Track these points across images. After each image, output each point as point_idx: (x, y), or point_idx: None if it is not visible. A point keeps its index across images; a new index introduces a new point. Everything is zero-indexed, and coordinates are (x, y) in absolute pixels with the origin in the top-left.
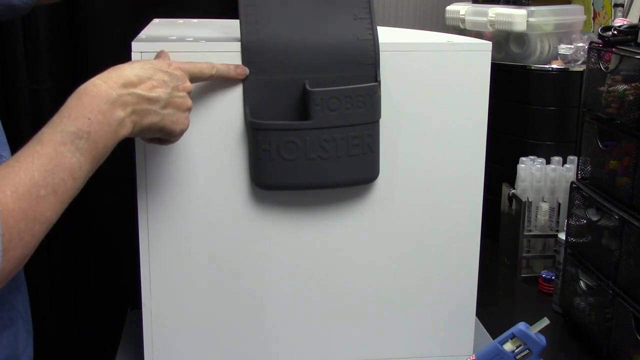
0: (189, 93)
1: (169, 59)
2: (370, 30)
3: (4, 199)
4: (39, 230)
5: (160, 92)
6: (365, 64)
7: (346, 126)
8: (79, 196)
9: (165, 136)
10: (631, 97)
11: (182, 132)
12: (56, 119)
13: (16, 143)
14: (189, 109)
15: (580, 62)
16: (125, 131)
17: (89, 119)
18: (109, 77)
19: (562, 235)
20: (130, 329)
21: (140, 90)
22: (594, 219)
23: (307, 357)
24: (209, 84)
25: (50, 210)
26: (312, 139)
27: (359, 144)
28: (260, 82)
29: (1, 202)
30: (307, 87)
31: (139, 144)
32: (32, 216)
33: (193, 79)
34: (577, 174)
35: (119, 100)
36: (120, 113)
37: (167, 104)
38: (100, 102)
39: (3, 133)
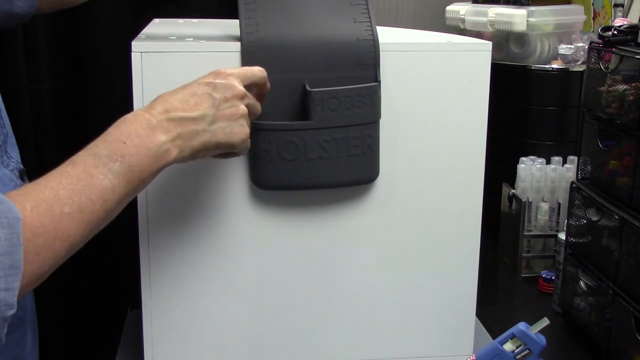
0: (242, 98)
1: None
2: (370, 31)
3: (22, 212)
4: (60, 247)
5: (204, 109)
6: (365, 64)
7: (346, 126)
8: None
9: (227, 150)
10: (631, 97)
11: (242, 141)
12: (92, 143)
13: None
14: (244, 116)
15: (580, 62)
16: (170, 157)
17: (124, 142)
18: (152, 106)
19: (562, 235)
20: (130, 329)
21: (182, 113)
22: (594, 219)
23: (307, 357)
24: None
25: (73, 228)
26: (312, 139)
27: (359, 144)
28: None
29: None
30: (307, 87)
31: None
32: (52, 233)
33: (246, 81)
34: (577, 174)
35: (160, 125)
36: (162, 137)
37: (215, 118)
38: (139, 127)
39: (12, 135)
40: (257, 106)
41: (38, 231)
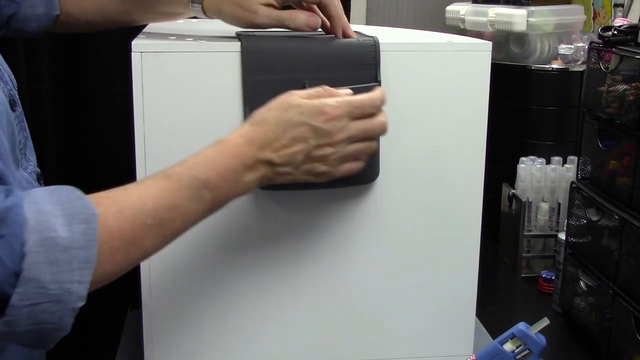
0: (339, 143)
1: (335, 97)
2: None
3: (105, 214)
4: (134, 255)
5: (295, 153)
6: (366, 64)
7: None
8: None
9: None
10: (631, 97)
11: (322, 179)
12: (190, 160)
13: None
14: (331, 157)
15: (580, 62)
16: (248, 191)
17: (221, 174)
18: (250, 138)
19: (562, 235)
20: (130, 329)
21: (273, 154)
22: (594, 219)
23: (307, 357)
24: (207, 83)
25: (151, 240)
26: None
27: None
28: (261, 82)
29: (101, 216)
30: (306, 86)
31: (139, 144)
32: (130, 239)
33: (355, 114)
34: (577, 174)
35: (252, 166)
36: (251, 176)
37: (304, 161)
38: (236, 162)
39: (30, 139)
40: (374, 131)
41: (116, 235)
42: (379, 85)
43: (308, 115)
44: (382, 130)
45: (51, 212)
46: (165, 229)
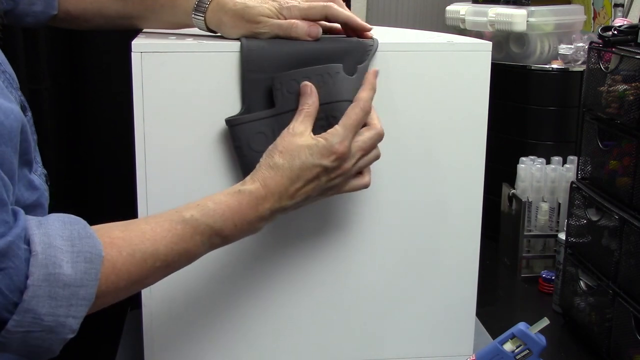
0: (349, 170)
1: (337, 129)
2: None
3: (116, 256)
4: (135, 289)
5: (310, 191)
6: (365, 62)
7: None
8: (79, 195)
9: None
10: (631, 97)
11: (331, 195)
12: (210, 205)
13: None
14: (336, 187)
15: (580, 62)
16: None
17: (235, 225)
18: (272, 183)
19: (562, 235)
20: (130, 329)
21: (291, 202)
22: (594, 219)
23: (307, 357)
24: (207, 83)
25: (155, 278)
26: (279, 126)
27: (325, 126)
28: (260, 82)
29: (113, 258)
30: (277, 85)
31: (139, 143)
32: (136, 279)
33: (356, 133)
34: (577, 174)
35: (270, 216)
36: (264, 224)
37: (317, 195)
38: (253, 215)
39: (36, 141)
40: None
41: (124, 276)
42: (341, 66)
43: (319, 157)
44: (381, 136)
45: (60, 247)
46: (170, 268)
